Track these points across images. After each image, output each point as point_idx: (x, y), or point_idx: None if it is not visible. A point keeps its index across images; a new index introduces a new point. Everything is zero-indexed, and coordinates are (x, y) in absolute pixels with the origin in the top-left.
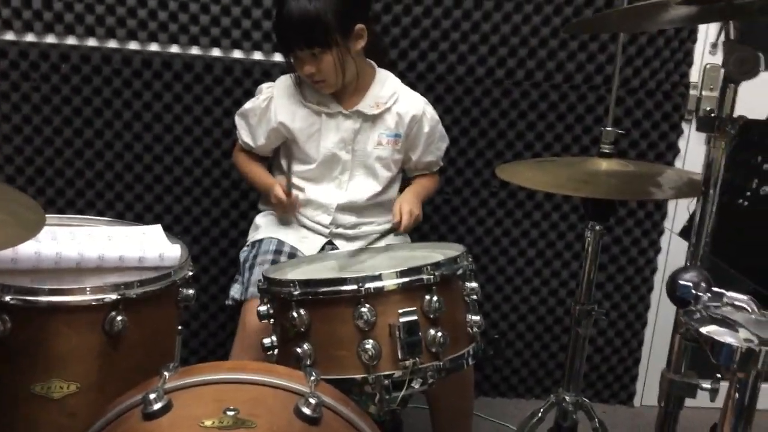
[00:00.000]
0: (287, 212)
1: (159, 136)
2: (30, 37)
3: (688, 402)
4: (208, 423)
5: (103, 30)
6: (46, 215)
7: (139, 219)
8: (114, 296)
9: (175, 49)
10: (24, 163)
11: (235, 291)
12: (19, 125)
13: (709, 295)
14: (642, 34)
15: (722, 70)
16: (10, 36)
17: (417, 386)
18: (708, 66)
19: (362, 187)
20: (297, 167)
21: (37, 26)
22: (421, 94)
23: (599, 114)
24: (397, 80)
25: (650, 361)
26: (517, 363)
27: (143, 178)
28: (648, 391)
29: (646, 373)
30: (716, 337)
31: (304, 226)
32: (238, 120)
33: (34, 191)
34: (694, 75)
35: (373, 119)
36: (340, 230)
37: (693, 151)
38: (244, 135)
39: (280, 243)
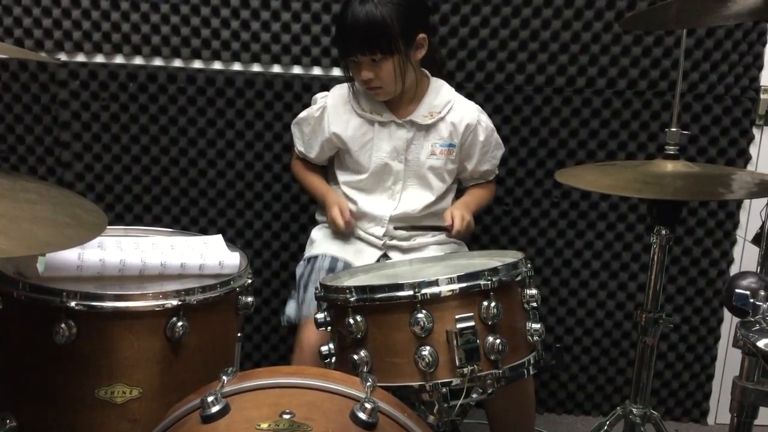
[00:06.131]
0: (343, 233)
1: (222, 152)
2: (99, 58)
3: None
4: (264, 426)
5: (169, 50)
6: (113, 227)
7: (203, 233)
8: (175, 302)
9: (237, 66)
10: (94, 179)
11: (290, 309)
12: (89, 143)
13: None
14: (708, 37)
15: None
16: (80, 57)
17: (476, 395)
18: None
19: (415, 198)
20: (349, 177)
21: (106, 48)
22: (480, 104)
23: (665, 121)
24: (452, 89)
25: (724, 377)
26: (583, 378)
27: (207, 193)
28: (722, 408)
29: (720, 390)
30: None
31: (359, 238)
32: (294, 129)
33: (103, 207)
34: (765, 78)
35: (426, 129)
36: (394, 242)
37: (765, 157)
38: (299, 144)
39: (334, 259)
